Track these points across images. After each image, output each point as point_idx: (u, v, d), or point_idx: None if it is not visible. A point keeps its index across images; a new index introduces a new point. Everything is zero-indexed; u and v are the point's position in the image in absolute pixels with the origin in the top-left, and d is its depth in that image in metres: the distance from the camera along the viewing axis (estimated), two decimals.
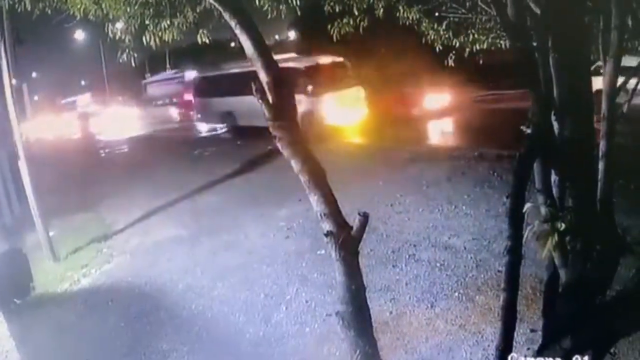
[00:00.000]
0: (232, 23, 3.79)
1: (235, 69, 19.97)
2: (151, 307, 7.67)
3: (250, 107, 19.62)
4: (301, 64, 18.58)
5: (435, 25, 6.69)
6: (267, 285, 7.68)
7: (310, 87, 17.85)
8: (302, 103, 17.50)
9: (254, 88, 3.69)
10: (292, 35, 41.24)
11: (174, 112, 34.99)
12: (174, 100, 37.15)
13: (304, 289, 7.37)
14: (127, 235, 11.00)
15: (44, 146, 23.50)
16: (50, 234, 10.27)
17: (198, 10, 5.81)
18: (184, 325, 7.06)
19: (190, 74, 44.21)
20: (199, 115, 24.18)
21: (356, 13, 6.72)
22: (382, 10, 6.69)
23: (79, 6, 5.57)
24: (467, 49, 6.83)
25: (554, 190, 3.59)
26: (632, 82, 4.01)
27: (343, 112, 18.15)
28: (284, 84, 3.79)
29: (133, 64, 6.10)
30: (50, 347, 7.08)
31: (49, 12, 5.78)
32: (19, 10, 5.75)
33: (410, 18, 6.74)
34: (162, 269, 8.90)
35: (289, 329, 6.54)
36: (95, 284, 8.93)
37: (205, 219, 11.01)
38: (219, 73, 22.49)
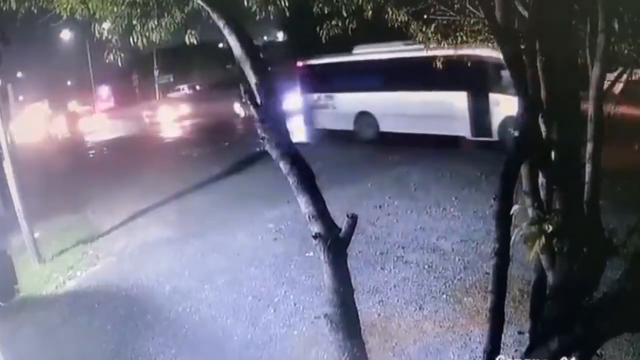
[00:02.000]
0: (220, 24, 3.77)
1: (380, 54, 15.07)
2: (138, 310, 7.61)
3: (407, 106, 14.50)
4: (493, 52, 12.49)
5: (424, 28, 6.70)
6: (255, 288, 7.65)
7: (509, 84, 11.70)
8: (501, 105, 12.62)
9: (242, 90, 3.66)
10: (280, 36, 41.12)
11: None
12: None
13: (292, 291, 7.35)
14: (114, 237, 10.90)
15: (30, 147, 23.25)
16: (36, 235, 10.16)
17: (186, 11, 5.76)
18: (171, 327, 7.02)
19: (101, 89, 45.25)
20: (310, 118, 17.31)
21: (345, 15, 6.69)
22: (370, 11, 6.67)
23: (65, 5, 5.50)
24: None
25: (541, 193, 3.60)
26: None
27: None
28: (273, 85, 3.78)
29: (120, 64, 6.03)
30: (36, 351, 7.00)
31: (35, 11, 5.70)
32: (4, 9, 5.67)
33: (399, 20, 6.74)
34: (148, 271, 8.83)
35: (277, 331, 6.53)
36: (81, 286, 8.85)
37: (193, 220, 10.94)
38: (348, 59, 15.83)
